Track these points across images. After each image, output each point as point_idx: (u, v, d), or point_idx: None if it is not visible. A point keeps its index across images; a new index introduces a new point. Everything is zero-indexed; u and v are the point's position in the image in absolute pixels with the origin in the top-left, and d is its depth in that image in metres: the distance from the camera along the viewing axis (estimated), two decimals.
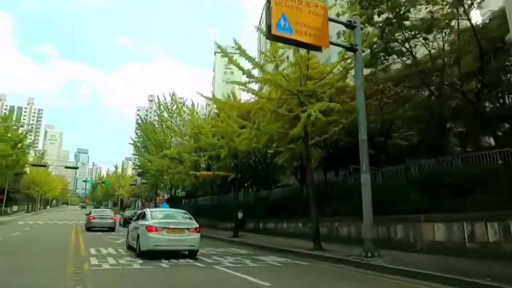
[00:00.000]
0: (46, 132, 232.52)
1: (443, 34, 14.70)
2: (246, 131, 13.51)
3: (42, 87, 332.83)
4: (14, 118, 34.50)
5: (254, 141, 14.83)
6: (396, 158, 18.02)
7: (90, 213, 26.64)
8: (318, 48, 10.87)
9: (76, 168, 69.12)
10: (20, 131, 35.35)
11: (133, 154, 42.20)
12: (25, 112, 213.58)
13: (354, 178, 17.97)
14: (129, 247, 12.89)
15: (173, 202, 40.89)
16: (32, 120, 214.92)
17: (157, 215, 11.94)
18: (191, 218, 12.23)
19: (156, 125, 34.66)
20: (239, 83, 13.66)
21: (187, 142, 26.80)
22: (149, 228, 10.56)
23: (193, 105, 26.66)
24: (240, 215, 20.92)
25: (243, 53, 13.13)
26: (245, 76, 13.05)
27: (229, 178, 21.67)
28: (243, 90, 14.19)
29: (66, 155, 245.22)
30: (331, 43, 10.99)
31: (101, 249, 12.63)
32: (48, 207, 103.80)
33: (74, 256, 10.82)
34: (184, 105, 27.68)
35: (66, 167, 70.18)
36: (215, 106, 19.72)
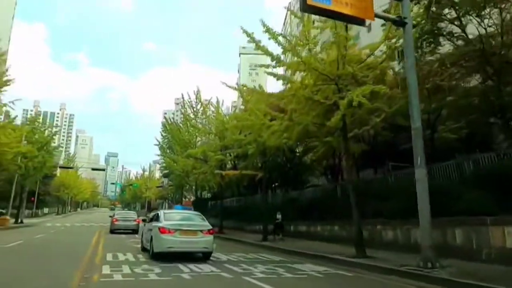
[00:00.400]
0: (77, 136, 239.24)
1: (501, 9, 12.76)
2: (277, 123, 12.02)
3: (74, 93, 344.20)
4: (41, 121, 34.39)
5: (285, 135, 13.35)
6: (443, 153, 16.08)
7: (113, 215, 25.99)
8: (360, 22, 9.29)
9: (103, 170, 69.74)
10: (46, 133, 35.28)
11: (159, 155, 41.55)
12: (57, 117, 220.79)
13: (394, 176, 16.24)
14: (144, 249, 12.59)
15: (199, 204, 40.05)
16: (64, 125, 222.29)
17: (170, 216, 11.74)
18: (204, 220, 11.98)
19: (181, 125, 33.76)
20: (268, 72, 12.20)
21: (212, 141, 25.60)
22: (162, 230, 10.41)
23: (218, 102, 25.48)
24: (278, 216, 19.09)
25: (272, 35, 11.70)
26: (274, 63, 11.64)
27: (256, 177, 20.26)
28: (273, 76, 12.76)
29: (96, 158, 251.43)
30: (376, 15, 9.35)
31: (119, 254, 11.49)
32: (79, 209, 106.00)
33: (87, 263, 9.67)
34: (209, 103, 26.52)
35: (93, 169, 71.00)
36: (241, 100, 18.28)
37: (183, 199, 41.75)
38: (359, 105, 10.64)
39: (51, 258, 10.79)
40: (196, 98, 30.45)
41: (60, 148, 50.23)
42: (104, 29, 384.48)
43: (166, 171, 40.66)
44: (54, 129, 35.62)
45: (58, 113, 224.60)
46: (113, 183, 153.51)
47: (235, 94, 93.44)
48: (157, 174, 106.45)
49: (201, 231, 10.79)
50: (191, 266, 9.38)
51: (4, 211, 30.30)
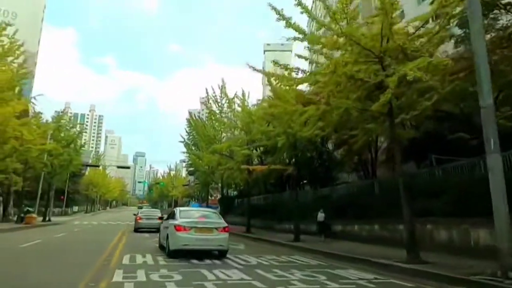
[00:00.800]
0: (106, 137, 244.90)
1: None
2: (312, 108, 10.50)
3: (103, 95, 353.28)
4: (67, 119, 34.25)
5: (319, 124, 11.85)
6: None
7: (137, 213, 25.21)
8: None
9: (128, 167, 70.26)
10: (72, 132, 35.13)
11: (184, 153, 40.85)
12: (87, 118, 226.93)
13: (442, 170, 14.42)
14: (161, 247, 12.50)
15: (225, 202, 39.05)
16: (94, 126, 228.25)
17: (186, 214, 11.69)
18: (220, 218, 12.05)
19: (206, 121, 32.71)
20: (298, 55, 10.72)
21: (237, 136, 24.34)
22: (178, 228, 10.41)
23: (243, 94, 24.12)
24: (321, 215, 17.02)
25: (305, 9, 10.24)
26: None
27: (285, 173, 18.82)
28: (305, 59, 11.28)
29: (125, 158, 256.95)
30: None
31: (137, 256, 10.35)
32: (108, 207, 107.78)
33: (100, 267, 8.55)
34: (235, 96, 25.20)
35: (119, 167, 71.68)
36: (268, 90, 16.86)
37: (209, 197, 40.82)
38: (410, 83, 9.03)
39: (61, 261, 9.78)
40: (221, 92, 29.30)
41: (88, 148, 50.39)
42: (130, 32, 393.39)
43: (191, 169, 39.82)
44: (79, 127, 35.26)
45: (87, 115, 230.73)
46: (140, 182, 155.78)
47: (260, 92, 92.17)
48: (184, 173, 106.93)
49: (216, 228, 10.73)
50: (217, 272, 8.09)
51: (31, 209, 30.21)
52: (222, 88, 28.76)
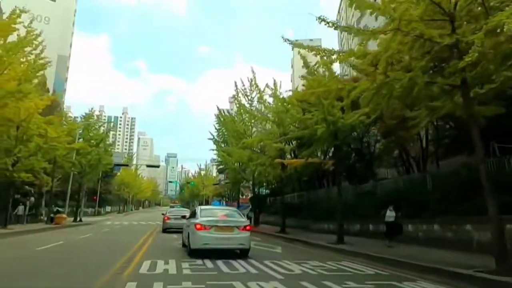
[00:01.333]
0: (139, 138, 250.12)
1: None
2: (365, 83, 8.55)
3: (135, 98, 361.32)
4: (95, 118, 33.80)
5: (365, 110, 9.89)
6: None
7: (165, 213, 24.08)
8: None
9: (157, 166, 70.15)
10: (101, 131, 34.63)
11: (213, 150, 39.61)
12: (120, 121, 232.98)
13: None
14: (184, 245, 12.35)
15: (256, 201, 37.42)
16: (127, 128, 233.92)
17: (207, 213, 11.41)
18: (241, 216, 11.88)
19: (235, 116, 31.17)
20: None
21: (269, 129, 22.63)
22: (198, 227, 10.26)
23: (275, 83, 22.25)
24: (390, 214, 13.32)
25: None
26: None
27: (325, 166, 16.91)
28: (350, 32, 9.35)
29: (157, 159, 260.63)
30: None
31: (159, 262, 8.84)
32: (141, 207, 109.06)
33: (110, 277, 7.07)
34: (266, 86, 23.37)
35: (148, 166, 71.52)
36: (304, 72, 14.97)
37: (240, 196, 39.37)
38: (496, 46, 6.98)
39: (69, 269, 8.37)
40: (251, 85, 27.74)
41: (121, 149, 50.19)
42: (160, 36, 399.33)
43: (221, 167, 38.51)
44: (107, 126, 34.67)
45: (120, 117, 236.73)
46: (170, 181, 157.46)
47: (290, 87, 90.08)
48: (214, 172, 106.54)
49: (237, 227, 10.49)
50: (253, 285, 6.39)
51: (61, 209, 29.82)
52: (252, 81, 27.18)
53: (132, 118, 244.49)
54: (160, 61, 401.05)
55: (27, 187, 34.51)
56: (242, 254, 10.57)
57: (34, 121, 18.44)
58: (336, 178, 16.99)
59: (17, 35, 15.17)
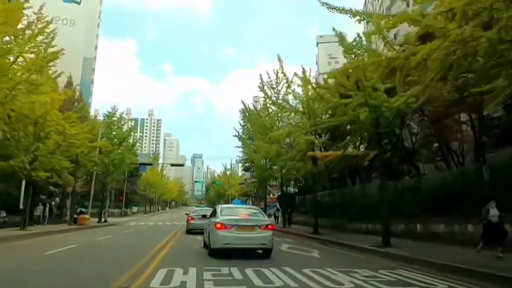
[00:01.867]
0: (165, 140, 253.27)
1: None
2: (435, 43, 6.63)
3: (161, 101, 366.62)
4: (117, 115, 33.01)
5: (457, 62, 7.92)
6: None
7: (189, 212, 22.75)
8: None
9: (182, 165, 69.42)
10: (124, 129, 33.87)
11: (238, 147, 38.19)
12: (146, 122, 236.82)
13: None
14: (205, 245, 11.86)
15: (285, 200, 35.72)
16: (153, 129, 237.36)
17: (227, 212, 11.24)
18: (263, 215, 11.79)
19: (261, 111, 29.54)
20: None
21: (298, 121, 20.88)
22: (218, 226, 9.97)
23: (304, 71, 20.31)
24: (494, 212, 9.58)
25: None
26: None
27: (364, 159, 15.02)
28: None
29: (183, 160, 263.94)
30: None
31: (177, 272, 7.33)
32: (167, 208, 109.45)
33: None
34: (294, 75, 21.53)
35: (172, 165, 71.12)
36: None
37: (267, 195, 37.79)
38: None
39: (67, 280, 7.00)
40: (277, 77, 26.07)
41: (148, 151, 49.65)
42: (185, 39, 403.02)
43: (247, 164, 37.04)
44: (130, 124, 33.87)
45: (147, 119, 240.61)
46: (196, 181, 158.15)
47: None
48: (240, 171, 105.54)
49: (258, 226, 10.16)
50: None
51: (85, 210, 29.15)
52: (278, 72, 25.46)
53: (158, 120, 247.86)
54: (185, 63, 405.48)
55: (51, 187, 34.32)
56: (265, 254, 10.23)
57: (52, 117, 17.46)
58: (377, 172, 15.01)
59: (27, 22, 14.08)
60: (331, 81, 14.56)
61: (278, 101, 26.94)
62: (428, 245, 12.47)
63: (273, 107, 27.65)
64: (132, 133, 33.67)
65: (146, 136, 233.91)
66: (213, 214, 11.76)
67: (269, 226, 10.36)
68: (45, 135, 18.34)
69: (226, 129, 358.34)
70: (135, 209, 63.85)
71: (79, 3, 74.91)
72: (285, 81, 22.14)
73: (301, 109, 20.36)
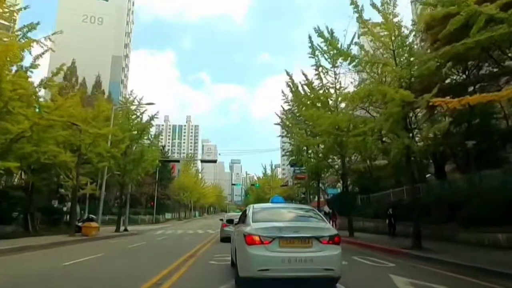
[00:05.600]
0: (203, 146, 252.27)
1: None
2: None
3: (200, 109, 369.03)
4: (134, 101, 27.18)
5: None
6: None
7: (224, 219, 17.66)
8: None
9: (215, 161, 63.13)
10: (144, 120, 28.01)
11: (282, 136, 31.32)
12: (185, 128, 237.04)
13: None
14: (232, 264, 7.81)
15: (340, 200, 28.52)
16: (191, 135, 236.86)
17: (263, 215, 6.70)
18: (321, 219, 6.75)
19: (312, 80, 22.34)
20: None
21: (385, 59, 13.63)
22: (249, 240, 5.82)
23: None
24: None
25: None
26: None
27: None
28: None
29: (221, 166, 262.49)
30: None
31: None
32: (205, 214, 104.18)
33: None
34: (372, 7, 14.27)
35: (202, 161, 65.44)
36: None
37: (320, 196, 30.44)
38: None
39: None
40: (332, 37, 19.08)
41: (160, 138, 44.01)
42: (221, 47, 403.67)
43: (293, 158, 29.93)
44: (146, 110, 27.71)
45: (185, 125, 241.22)
46: (234, 184, 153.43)
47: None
48: (280, 174, 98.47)
49: (317, 238, 5.81)
50: None
51: (94, 216, 23.36)
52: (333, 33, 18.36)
53: (195, 126, 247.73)
54: (222, 71, 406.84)
55: (62, 190, 29.13)
56: (329, 285, 5.96)
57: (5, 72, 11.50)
58: None
59: None
60: None
61: (335, 68, 20.19)
62: None
63: (328, 77, 20.80)
64: (152, 123, 27.60)
65: (184, 143, 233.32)
66: (243, 219, 7.49)
67: (336, 239, 6.00)
68: (4, 105, 12.35)
69: (263, 134, 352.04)
70: (168, 215, 58.45)
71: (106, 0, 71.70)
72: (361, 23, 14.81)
73: (385, 55, 13.20)
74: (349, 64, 14.35)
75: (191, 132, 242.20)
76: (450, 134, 15.21)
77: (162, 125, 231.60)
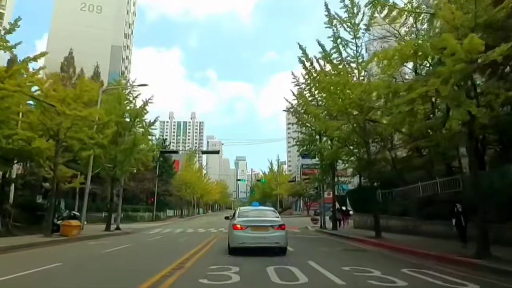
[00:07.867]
0: (208, 142, 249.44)
1: None
2: None
3: (206, 106, 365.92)
4: (126, 82, 24.12)
5: None
6: None
7: (231, 216, 14.53)
8: None
9: (217, 152, 60.08)
10: (138, 106, 24.92)
11: (291, 124, 28.12)
12: (189, 125, 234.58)
13: None
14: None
15: (357, 196, 25.37)
16: (196, 132, 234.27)
17: (244, 214, 12.14)
18: (277, 216, 12.30)
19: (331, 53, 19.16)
20: None
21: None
22: (235, 227, 11.03)
23: None
24: None
25: None
26: None
27: None
28: None
29: (226, 163, 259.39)
30: None
31: None
32: (210, 211, 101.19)
33: None
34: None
35: (204, 152, 62.63)
36: None
37: (336, 189, 27.23)
38: None
39: None
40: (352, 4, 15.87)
41: (165, 134, 40.75)
42: (228, 44, 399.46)
43: (304, 148, 26.70)
44: (137, 90, 24.47)
45: (189, 122, 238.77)
46: (238, 180, 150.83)
47: None
48: (286, 169, 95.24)
49: (272, 226, 11.01)
50: None
51: (77, 213, 20.35)
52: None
53: (200, 122, 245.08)
54: (228, 69, 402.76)
55: (47, 184, 26.14)
56: (280, 252, 10.76)
57: None
58: None
59: None
60: None
61: (356, 39, 17.22)
62: None
63: (348, 50, 17.72)
64: (146, 108, 24.46)
65: (189, 139, 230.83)
66: (233, 216, 12.59)
67: (282, 226, 11.03)
68: None
69: (269, 133, 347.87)
70: (170, 212, 55.41)
71: None
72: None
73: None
74: (385, 16, 11.04)
75: (196, 129, 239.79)
76: None
77: (167, 121, 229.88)
